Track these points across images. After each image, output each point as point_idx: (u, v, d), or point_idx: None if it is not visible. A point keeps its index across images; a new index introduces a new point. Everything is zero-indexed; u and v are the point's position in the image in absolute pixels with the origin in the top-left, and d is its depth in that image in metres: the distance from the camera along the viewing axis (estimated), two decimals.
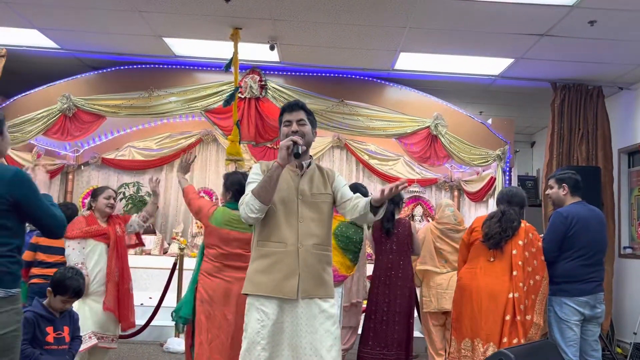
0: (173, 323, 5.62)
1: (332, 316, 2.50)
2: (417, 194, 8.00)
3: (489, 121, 6.90)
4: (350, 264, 4.20)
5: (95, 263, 3.79)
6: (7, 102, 6.58)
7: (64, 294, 3.02)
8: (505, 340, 3.46)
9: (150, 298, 5.98)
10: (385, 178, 8.07)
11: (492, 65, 6.25)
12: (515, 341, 3.44)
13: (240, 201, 2.51)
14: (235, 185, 3.66)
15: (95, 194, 4.01)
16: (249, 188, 2.52)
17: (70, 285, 3.04)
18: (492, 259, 3.65)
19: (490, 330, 3.52)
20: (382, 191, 2.37)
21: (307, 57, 6.35)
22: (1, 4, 5.20)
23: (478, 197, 7.25)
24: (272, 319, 2.42)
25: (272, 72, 6.70)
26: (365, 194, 3.84)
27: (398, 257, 4.61)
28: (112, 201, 3.99)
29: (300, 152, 2.45)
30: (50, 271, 4.01)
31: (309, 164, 2.67)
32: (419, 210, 7.89)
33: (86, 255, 3.78)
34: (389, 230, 4.63)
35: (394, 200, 4.69)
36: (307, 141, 2.59)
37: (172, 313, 3.83)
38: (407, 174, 8.09)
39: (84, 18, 5.48)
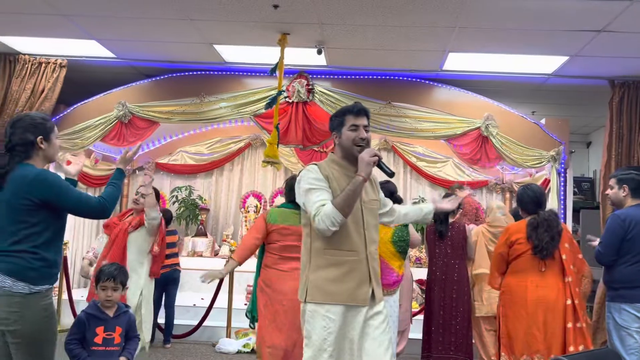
0: (225, 323, 5.75)
1: (386, 317, 2.54)
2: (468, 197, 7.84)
3: (543, 121, 6.70)
4: (403, 262, 4.19)
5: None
6: (68, 110, 6.91)
7: (100, 281, 3.02)
8: (572, 348, 3.35)
9: (202, 299, 6.13)
10: (433, 180, 7.96)
11: (545, 64, 6.07)
12: (582, 347, 3.32)
13: (315, 211, 2.42)
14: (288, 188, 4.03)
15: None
16: (312, 195, 2.46)
17: (105, 270, 3.06)
18: (543, 269, 3.52)
19: (551, 342, 3.40)
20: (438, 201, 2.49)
21: (354, 60, 6.35)
22: (62, 17, 5.47)
23: None
24: (338, 325, 2.42)
25: (319, 76, 6.74)
26: (394, 191, 4.16)
27: (453, 261, 4.54)
28: (135, 196, 4.27)
29: (387, 169, 2.54)
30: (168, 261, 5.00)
31: None
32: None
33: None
34: (442, 233, 4.57)
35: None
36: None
37: (246, 313, 4.07)
38: (457, 176, 7.95)
39: (138, 28, 5.69)
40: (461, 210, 5.07)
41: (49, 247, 2.37)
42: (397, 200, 4.06)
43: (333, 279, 2.46)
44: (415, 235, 4.76)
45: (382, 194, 2.75)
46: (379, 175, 2.79)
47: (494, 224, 4.76)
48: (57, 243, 2.44)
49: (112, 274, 3.01)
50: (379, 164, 2.50)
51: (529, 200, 3.70)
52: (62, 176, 2.57)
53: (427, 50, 5.91)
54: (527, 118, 6.60)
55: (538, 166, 6.50)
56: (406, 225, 4.18)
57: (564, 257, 3.50)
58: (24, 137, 2.39)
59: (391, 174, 2.52)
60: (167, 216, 5.71)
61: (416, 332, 4.97)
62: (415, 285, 5.68)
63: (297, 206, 3.02)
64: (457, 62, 6.20)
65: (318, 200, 2.44)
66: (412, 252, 7.41)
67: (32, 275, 2.28)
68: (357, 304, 2.45)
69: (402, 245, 4.13)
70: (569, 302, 3.42)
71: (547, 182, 6.48)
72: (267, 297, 3.71)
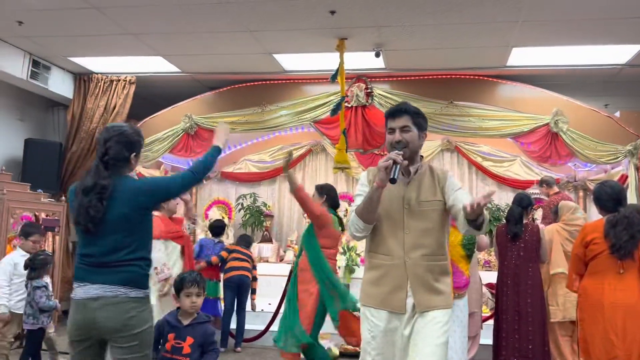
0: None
1: (446, 329, 2.32)
2: (538, 197, 7.53)
3: (617, 114, 6.34)
4: (469, 264, 4.08)
5: (173, 263, 4.05)
6: (138, 125, 7.24)
7: (183, 288, 2.98)
8: None
9: (269, 304, 6.21)
10: (501, 180, 7.70)
11: (618, 53, 5.75)
12: None
13: (348, 217, 2.51)
14: (331, 192, 4.23)
15: None
16: (356, 201, 2.45)
17: (187, 277, 3.05)
18: (621, 271, 3.27)
19: (631, 349, 3.18)
20: (465, 208, 2.09)
21: (413, 61, 6.27)
22: (130, 35, 5.75)
23: None
24: (381, 330, 2.34)
25: (377, 79, 6.70)
26: None
27: (525, 263, 4.38)
28: (177, 200, 4.26)
29: (396, 177, 2.21)
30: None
31: (417, 169, 2.45)
32: (540, 213, 7.42)
33: (168, 256, 4.02)
34: (516, 234, 4.41)
35: (522, 204, 4.48)
36: (412, 149, 2.39)
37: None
38: (526, 175, 7.65)
39: (201, 42, 5.88)
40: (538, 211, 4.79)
41: (150, 251, 2.50)
42: None
43: (371, 281, 2.42)
44: (482, 237, 4.62)
45: (458, 194, 2.38)
46: (460, 178, 2.50)
47: (570, 223, 4.55)
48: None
49: (195, 279, 3.01)
50: (392, 169, 2.21)
51: (608, 198, 3.45)
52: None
53: (489, 46, 5.74)
54: (599, 111, 6.26)
55: (614, 162, 6.15)
56: None
57: None
58: (121, 154, 2.43)
59: (391, 181, 2.21)
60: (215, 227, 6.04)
61: (486, 337, 4.82)
62: (485, 290, 5.50)
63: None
64: (521, 57, 5.99)
65: (355, 207, 2.43)
66: (481, 255, 7.19)
67: (145, 281, 2.42)
68: (393, 310, 2.33)
69: (470, 248, 4.03)
70: None
71: (624, 178, 6.11)
72: None
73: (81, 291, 2.33)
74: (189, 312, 2.97)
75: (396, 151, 2.28)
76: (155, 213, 4.08)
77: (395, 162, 2.22)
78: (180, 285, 3.02)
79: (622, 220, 3.32)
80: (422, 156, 2.50)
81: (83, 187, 2.38)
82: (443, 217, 2.42)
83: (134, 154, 2.48)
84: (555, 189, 6.02)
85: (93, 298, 2.30)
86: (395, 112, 2.42)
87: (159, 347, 2.92)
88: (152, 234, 2.54)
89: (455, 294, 3.86)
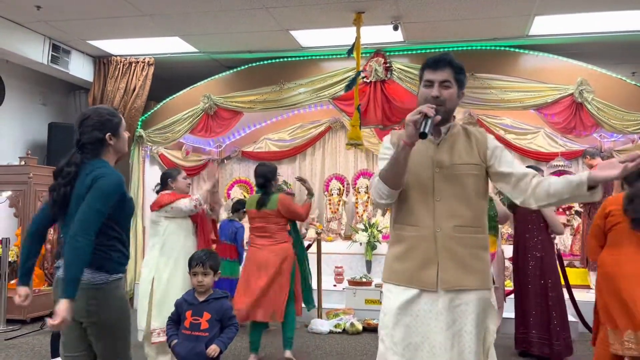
0: (315, 304, 5.87)
1: (485, 310, 2.07)
2: (562, 168, 7.40)
3: None
4: (494, 238, 4.07)
5: (182, 240, 4.05)
6: (158, 106, 7.29)
7: (190, 267, 3.04)
8: None
9: None
10: (524, 153, 7.57)
11: None
12: None
13: (370, 181, 2.26)
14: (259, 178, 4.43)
15: (171, 175, 4.20)
16: (380, 165, 2.15)
17: (195, 255, 3.08)
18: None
19: None
20: (623, 165, 1.84)
21: (432, 33, 6.15)
22: (147, 17, 5.75)
23: None
24: (404, 307, 2.06)
25: (396, 53, 6.60)
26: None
27: (535, 236, 4.35)
28: (189, 180, 4.32)
29: (427, 131, 1.91)
30: None
31: (449, 129, 2.17)
32: None
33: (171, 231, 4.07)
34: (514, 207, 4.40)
35: None
36: (449, 108, 2.12)
37: None
38: (550, 147, 7.51)
39: (217, 21, 5.86)
40: None
41: (120, 241, 2.41)
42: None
43: (398, 256, 2.13)
44: (503, 209, 4.58)
45: (505, 156, 2.13)
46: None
47: None
48: (124, 237, 2.45)
49: (200, 258, 3.02)
50: (422, 123, 1.92)
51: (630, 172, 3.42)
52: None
53: (510, 16, 5.59)
54: (626, 80, 6.07)
55: None
56: (490, 199, 4.04)
57: None
58: (94, 136, 2.42)
59: (421, 135, 1.91)
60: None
61: (510, 311, 4.82)
62: (508, 263, 5.47)
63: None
64: (544, 25, 5.82)
65: (378, 171, 2.13)
66: (504, 229, 7.12)
67: (108, 265, 2.36)
68: (423, 287, 2.05)
69: (494, 221, 4.01)
70: None
71: None
72: None
73: (60, 270, 2.37)
74: (199, 291, 3.00)
75: (428, 104, 1.99)
76: (166, 191, 4.14)
77: (426, 116, 1.93)
78: (188, 264, 3.08)
79: (639, 193, 3.29)
80: (454, 116, 2.22)
81: (54, 170, 2.45)
82: (482, 183, 2.14)
83: (109, 133, 2.45)
84: (599, 159, 5.91)
85: (61, 278, 2.29)
86: (437, 63, 2.11)
87: (180, 325, 2.98)
88: (127, 226, 2.48)
89: None
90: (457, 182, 2.10)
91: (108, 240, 2.36)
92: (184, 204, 3.96)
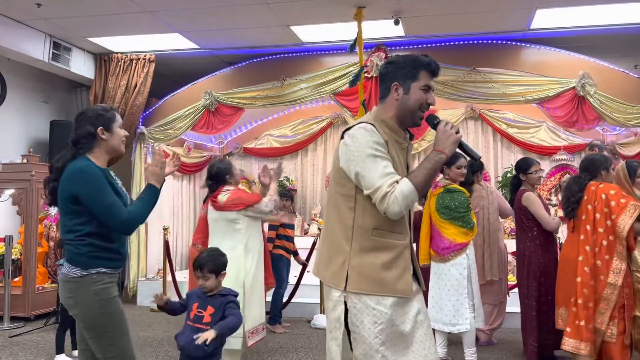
0: (318, 300, 5.87)
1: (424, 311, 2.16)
2: (565, 162, 7.39)
3: None
4: (464, 229, 4.04)
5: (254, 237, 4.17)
6: (159, 103, 7.29)
7: (195, 270, 3.02)
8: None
9: (295, 277, 6.28)
10: (526, 147, 7.56)
11: None
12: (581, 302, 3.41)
13: (389, 188, 1.94)
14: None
15: (228, 170, 4.10)
16: (378, 164, 1.98)
17: (196, 259, 3.04)
18: (572, 230, 3.68)
19: (568, 297, 3.61)
20: None
21: (433, 27, 6.13)
22: (147, 13, 5.74)
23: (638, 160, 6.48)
24: (388, 319, 2.02)
25: (397, 48, 6.58)
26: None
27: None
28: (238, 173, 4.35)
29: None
30: (288, 244, 5.48)
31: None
32: None
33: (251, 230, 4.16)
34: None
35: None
36: None
37: None
38: (552, 141, 7.50)
39: (218, 17, 5.84)
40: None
41: (98, 236, 2.37)
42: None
43: (382, 265, 2.02)
44: (506, 204, 4.55)
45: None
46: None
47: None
48: (105, 230, 2.38)
49: (199, 263, 2.99)
50: (461, 144, 2.06)
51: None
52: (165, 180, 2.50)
53: (511, 9, 5.57)
54: (629, 73, 6.05)
55: None
56: (449, 191, 4.09)
57: (583, 217, 3.56)
58: (85, 130, 2.43)
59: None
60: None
61: (514, 305, 4.80)
62: (511, 258, 5.46)
63: None
64: (546, 18, 5.80)
65: (389, 174, 1.97)
66: (507, 223, 7.11)
67: (79, 260, 2.34)
68: (404, 295, 2.04)
69: (446, 213, 4.06)
70: (581, 258, 3.50)
71: None
72: None
73: (63, 268, 2.43)
74: (205, 291, 3.01)
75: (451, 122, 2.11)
76: (230, 188, 4.03)
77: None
78: (193, 266, 3.11)
79: (565, 186, 3.81)
80: None
81: (49, 165, 2.56)
82: None
83: (101, 127, 2.45)
84: (605, 153, 5.89)
85: (64, 276, 2.43)
86: (438, 72, 2.13)
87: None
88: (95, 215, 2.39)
89: (437, 258, 4.07)
90: None
91: (76, 235, 2.36)
92: (265, 204, 3.96)
